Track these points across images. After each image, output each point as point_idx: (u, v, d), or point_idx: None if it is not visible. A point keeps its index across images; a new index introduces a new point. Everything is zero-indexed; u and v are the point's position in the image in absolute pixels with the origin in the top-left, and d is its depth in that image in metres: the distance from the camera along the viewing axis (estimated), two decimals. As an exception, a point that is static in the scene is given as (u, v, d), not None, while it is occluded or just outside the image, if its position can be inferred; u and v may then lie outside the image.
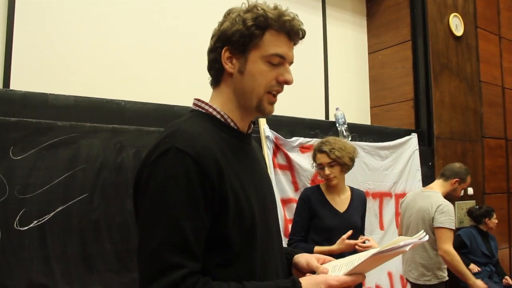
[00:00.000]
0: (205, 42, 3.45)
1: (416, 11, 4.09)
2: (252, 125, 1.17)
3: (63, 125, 2.06)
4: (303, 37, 1.10)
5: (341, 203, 2.39)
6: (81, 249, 2.07)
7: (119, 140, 2.22)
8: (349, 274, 0.98)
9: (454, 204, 3.94)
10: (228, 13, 1.10)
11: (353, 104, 4.28)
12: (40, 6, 2.51)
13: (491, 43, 4.64)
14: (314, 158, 2.42)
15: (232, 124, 1.09)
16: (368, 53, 4.55)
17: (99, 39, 2.74)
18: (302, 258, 1.18)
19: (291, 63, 1.10)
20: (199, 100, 1.11)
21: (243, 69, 1.06)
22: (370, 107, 4.50)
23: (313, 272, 1.10)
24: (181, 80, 3.06)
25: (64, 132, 2.06)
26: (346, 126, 3.42)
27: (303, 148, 3.06)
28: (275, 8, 1.05)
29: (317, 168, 2.41)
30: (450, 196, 3.00)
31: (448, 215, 2.76)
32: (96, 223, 2.12)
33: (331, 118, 3.78)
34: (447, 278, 2.92)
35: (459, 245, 3.73)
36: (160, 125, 2.39)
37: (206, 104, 1.09)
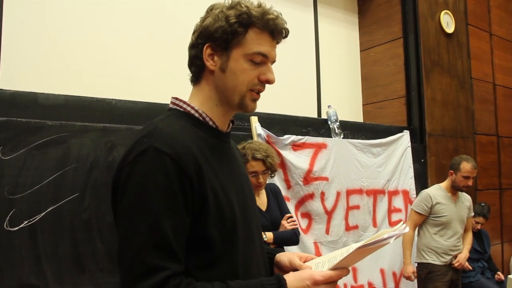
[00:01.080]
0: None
1: (407, 8, 4.10)
2: (231, 124, 1.15)
3: (53, 124, 2.05)
4: (286, 36, 1.08)
5: (261, 202, 2.39)
6: (72, 249, 2.06)
7: (110, 139, 2.21)
8: (334, 268, 0.98)
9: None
10: (210, 9, 1.07)
11: (345, 102, 4.29)
12: (29, 4, 2.49)
13: (482, 40, 4.67)
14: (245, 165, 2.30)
15: (210, 122, 1.06)
16: (360, 51, 4.56)
17: (89, 37, 2.72)
18: (284, 257, 1.16)
19: (273, 62, 1.08)
20: (176, 98, 1.09)
21: (225, 67, 1.03)
22: (362, 105, 4.51)
23: (296, 270, 1.07)
24: (172, 78, 3.04)
25: (54, 132, 2.04)
26: (338, 123, 3.42)
27: (295, 146, 3.06)
28: (259, 5, 1.03)
29: (250, 175, 2.27)
30: (457, 188, 3.19)
31: (419, 200, 3.21)
32: (87, 223, 2.11)
33: (323, 116, 3.78)
34: (429, 262, 3.15)
35: None
36: (152, 124, 2.38)
37: (184, 102, 1.07)
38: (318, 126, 3.37)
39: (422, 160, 3.92)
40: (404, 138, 3.78)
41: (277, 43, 1.08)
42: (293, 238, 2.35)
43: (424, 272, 3.16)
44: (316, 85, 4.01)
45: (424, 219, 3.19)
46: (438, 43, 4.15)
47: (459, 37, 4.38)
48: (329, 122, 3.43)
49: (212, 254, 0.96)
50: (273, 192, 2.50)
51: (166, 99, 2.48)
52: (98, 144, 2.17)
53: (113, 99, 2.34)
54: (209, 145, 1.03)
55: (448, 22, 4.25)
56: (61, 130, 2.06)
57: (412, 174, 3.74)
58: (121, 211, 0.94)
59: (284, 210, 2.47)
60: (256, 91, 1.06)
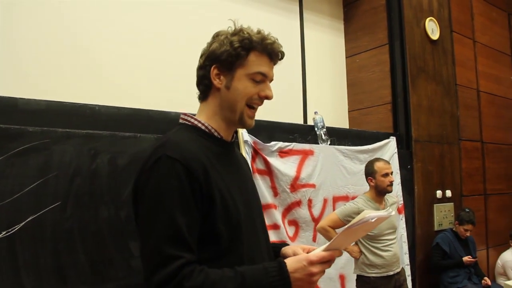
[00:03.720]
0: (181, 47, 3.41)
1: (393, 15, 4.12)
2: (235, 135, 1.31)
3: (34, 130, 1.98)
4: (282, 58, 1.26)
5: None
6: (54, 260, 1.98)
7: (93, 146, 2.14)
8: (326, 250, 1.10)
9: (433, 207, 4.03)
10: (216, 35, 1.25)
11: (331, 108, 4.28)
12: (9, 8, 2.42)
13: (466, 47, 4.71)
14: None
15: (216, 134, 1.23)
16: (346, 57, 4.57)
17: (71, 41, 2.66)
18: (289, 249, 1.31)
19: (271, 80, 1.25)
20: (185, 114, 1.26)
21: (229, 85, 1.20)
22: (348, 111, 4.51)
23: None
24: (156, 85, 3.00)
25: (35, 138, 1.97)
26: (325, 130, 3.40)
27: (282, 153, 3.03)
28: (259, 32, 1.21)
29: None
30: (383, 191, 3.01)
31: (346, 209, 2.95)
32: (69, 233, 2.03)
33: (309, 122, 3.76)
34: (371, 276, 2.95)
35: (440, 255, 3.77)
36: (136, 130, 2.33)
37: (192, 117, 1.24)
38: (304, 133, 3.35)
39: (409, 166, 3.93)
40: (391, 145, 3.79)
41: (274, 64, 1.26)
42: None
43: None
44: (302, 91, 4.00)
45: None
46: (424, 49, 4.18)
47: (444, 43, 4.41)
48: (316, 129, 3.41)
49: (220, 247, 1.11)
50: None
51: (150, 105, 2.48)
52: (81, 151, 2.10)
53: (96, 105, 2.27)
54: (214, 153, 1.19)
55: (433, 29, 4.28)
56: (42, 136, 1.99)
57: (399, 180, 3.74)
58: (141, 212, 1.10)
59: None
60: (254, 105, 1.23)
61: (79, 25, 2.71)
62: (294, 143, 3.11)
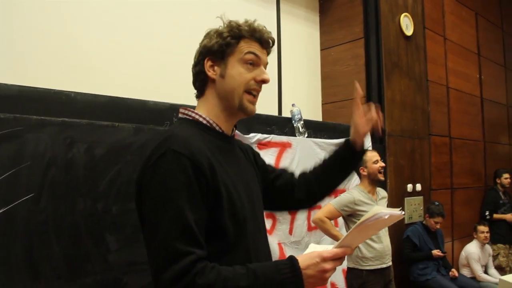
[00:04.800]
0: (159, 35, 3.29)
1: (369, 9, 4.12)
2: (235, 128, 1.30)
3: (6, 117, 1.84)
4: (273, 45, 1.27)
5: None
6: (26, 254, 1.86)
7: (69, 134, 2.02)
8: (339, 247, 1.10)
9: (404, 201, 4.10)
10: (207, 33, 1.26)
11: (305, 100, 4.26)
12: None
13: (437, 43, 4.80)
14: None
15: (217, 128, 1.22)
16: (320, 50, 4.55)
17: (46, 24, 2.52)
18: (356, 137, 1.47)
19: (266, 64, 1.25)
20: (185, 108, 1.24)
21: (224, 73, 1.20)
22: (322, 104, 4.51)
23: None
24: (134, 72, 2.89)
25: (7, 126, 1.83)
26: (302, 122, 3.39)
27: (260, 145, 2.98)
28: (246, 21, 1.23)
29: None
30: (375, 179, 3.17)
31: (342, 199, 3.06)
32: (43, 225, 1.92)
33: (284, 114, 3.74)
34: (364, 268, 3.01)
35: (411, 247, 3.85)
36: (114, 119, 2.22)
37: (192, 111, 1.23)
38: (282, 125, 3.31)
39: (382, 160, 3.96)
40: (366, 138, 3.80)
41: (268, 52, 1.27)
42: None
43: (358, 282, 3.01)
44: (277, 83, 3.96)
45: (347, 222, 3.07)
46: (398, 45, 4.22)
47: (417, 40, 4.47)
48: (293, 121, 3.38)
49: (227, 242, 1.10)
50: None
51: (128, 93, 2.37)
52: (56, 139, 1.97)
53: (72, 92, 2.14)
54: (217, 147, 1.17)
55: (407, 24, 4.32)
56: (15, 124, 1.86)
57: (373, 174, 3.76)
58: (147, 208, 1.07)
59: None
60: (254, 92, 1.22)
61: (54, 9, 2.56)
62: (272, 135, 3.08)
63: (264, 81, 1.22)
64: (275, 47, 1.32)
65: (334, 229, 3.03)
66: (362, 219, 1.06)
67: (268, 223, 3.01)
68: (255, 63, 1.21)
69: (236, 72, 1.19)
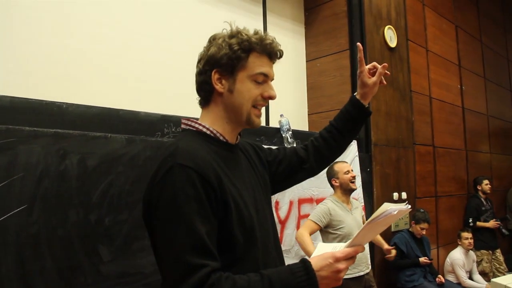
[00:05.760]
0: (151, 47, 3.31)
1: (354, 22, 4.21)
2: (239, 137, 1.30)
3: (-2, 129, 1.85)
4: (281, 56, 1.27)
5: None
6: (19, 267, 1.85)
7: (62, 146, 2.02)
8: (350, 246, 1.11)
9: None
10: (213, 39, 1.23)
11: (291, 111, 4.31)
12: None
13: (420, 55, 4.92)
14: None
15: (221, 138, 1.22)
16: (306, 61, 4.62)
17: (38, 34, 2.52)
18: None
19: (272, 79, 1.25)
20: (188, 119, 1.24)
21: (232, 88, 1.19)
22: (308, 114, 4.56)
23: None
24: (127, 83, 2.91)
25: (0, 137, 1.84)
26: (290, 132, 3.43)
27: (250, 155, 3.01)
28: (256, 33, 1.21)
29: None
30: (348, 189, 3.13)
31: (318, 212, 3.01)
32: (35, 238, 1.91)
33: (271, 124, 3.78)
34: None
35: (398, 254, 3.91)
36: (106, 130, 2.23)
37: (195, 122, 1.22)
38: (271, 135, 3.36)
39: (368, 169, 4.04)
40: (352, 148, 3.87)
41: (273, 63, 1.26)
42: None
43: None
44: (265, 94, 4.00)
45: (323, 234, 3.07)
46: (383, 56, 4.31)
47: (400, 51, 4.58)
48: (282, 131, 3.42)
49: (236, 253, 1.11)
50: None
51: (120, 105, 2.39)
52: (49, 151, 1.98)
53: (64, 103, 2.15)
54: (222, 157, 1.17)
55: (391, 36, 4.43)
56: (7, 135, 1.86)
57: (360, 182, 3.83)
58: (157, 224, 1.06)
59: None
60: (258, 107, 1.22)
61: (47, 21, 2.57)
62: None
63: (271, 98, 1.23)
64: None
65: (311, 246, 2.90)
66: (373, 216, 1.07)
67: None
68: (264, 80, 1.21)
69: (245, 88, 1.18)
